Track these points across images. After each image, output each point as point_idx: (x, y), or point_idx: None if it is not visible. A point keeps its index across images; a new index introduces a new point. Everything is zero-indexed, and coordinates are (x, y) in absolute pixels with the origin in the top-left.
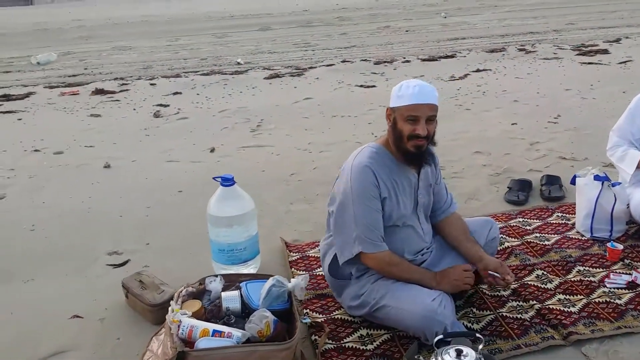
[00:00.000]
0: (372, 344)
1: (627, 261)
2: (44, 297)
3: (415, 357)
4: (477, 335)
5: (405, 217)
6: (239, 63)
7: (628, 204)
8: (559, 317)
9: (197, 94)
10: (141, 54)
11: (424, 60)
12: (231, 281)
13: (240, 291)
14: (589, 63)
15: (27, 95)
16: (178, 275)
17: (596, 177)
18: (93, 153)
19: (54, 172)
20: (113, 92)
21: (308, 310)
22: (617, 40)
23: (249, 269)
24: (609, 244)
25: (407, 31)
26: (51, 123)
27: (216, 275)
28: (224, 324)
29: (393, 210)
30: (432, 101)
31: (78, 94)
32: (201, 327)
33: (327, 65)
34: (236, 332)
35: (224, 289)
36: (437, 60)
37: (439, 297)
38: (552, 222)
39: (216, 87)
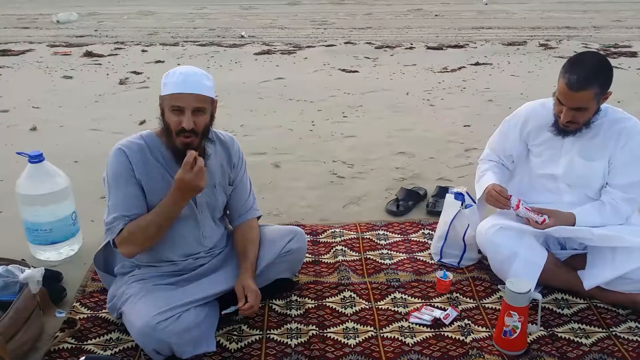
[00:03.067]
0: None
1: (455, 294)
2: None
3: None
4: None
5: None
6: (242, 36)
7: None
8: (325, 348)
9: (177, 64)
10: (158, 20)
11: (429, 48)
12: None
13: None
14: None
15: (24, 52)
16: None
17: (456, 196)
18: (34, 114)
19: None
20: (101, 56)
21: (78, 304)
22: None
23: (61, 251)
24: (438, 273)
25: (436, 16)
26: (22, 81)
27: None
28: None
29: (154, 204)
30: (198, 91)
31: (70, 54)
32: None
33: (327, 46)
34: None
35: None
36: (442, 49)
37: (171, 310)
38: (413, 239)
39: (201, 59)
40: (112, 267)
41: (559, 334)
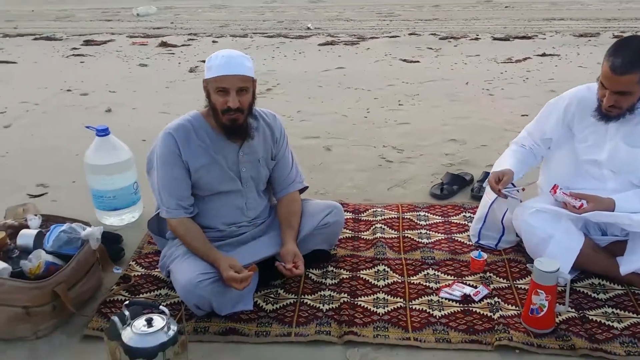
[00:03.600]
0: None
1: (488, 274)
2: None
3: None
4: (162, 308)
5: (219, 188)
6: (308, 28)
7: None
8: (354, 315)
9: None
10: (230, 13)
11: (495, 39)
12: (56, 222)
13: (43, 231)
14: None
15: (106, 42)
16: (72, 214)
17: None
18: (110, 98)
19: (64, 111)
20: (175, 46)
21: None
22: None
23: (123, 217)
24: (472, 253)
25: (506, 7)
26: (102, 68)
27: (35, 215)
28: (5, 257)
29: (202, 179)
30: (241, 72)
31: (146, 44)
32: None
33: (391, 37)
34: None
35: (41, 227)
36: (509, 40)
37: (213, 272)
38: (453, 221)
39: (267, 50)
40: (165, 232)
41: (591, 317)
